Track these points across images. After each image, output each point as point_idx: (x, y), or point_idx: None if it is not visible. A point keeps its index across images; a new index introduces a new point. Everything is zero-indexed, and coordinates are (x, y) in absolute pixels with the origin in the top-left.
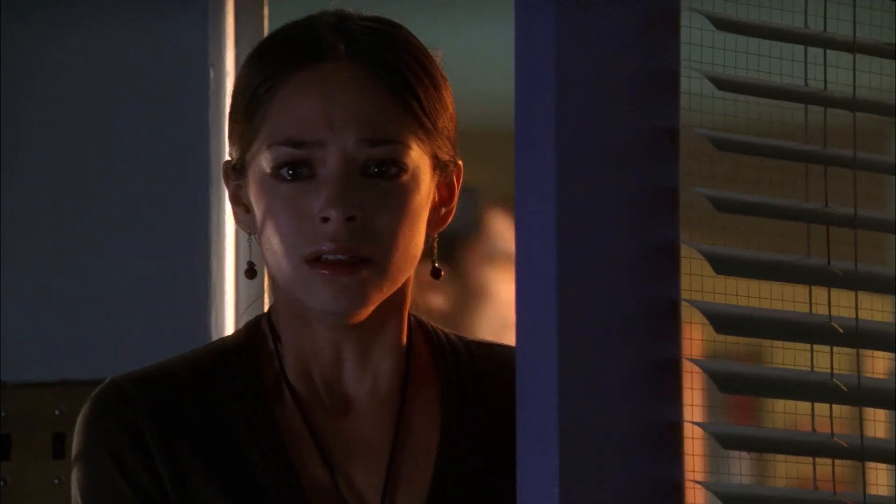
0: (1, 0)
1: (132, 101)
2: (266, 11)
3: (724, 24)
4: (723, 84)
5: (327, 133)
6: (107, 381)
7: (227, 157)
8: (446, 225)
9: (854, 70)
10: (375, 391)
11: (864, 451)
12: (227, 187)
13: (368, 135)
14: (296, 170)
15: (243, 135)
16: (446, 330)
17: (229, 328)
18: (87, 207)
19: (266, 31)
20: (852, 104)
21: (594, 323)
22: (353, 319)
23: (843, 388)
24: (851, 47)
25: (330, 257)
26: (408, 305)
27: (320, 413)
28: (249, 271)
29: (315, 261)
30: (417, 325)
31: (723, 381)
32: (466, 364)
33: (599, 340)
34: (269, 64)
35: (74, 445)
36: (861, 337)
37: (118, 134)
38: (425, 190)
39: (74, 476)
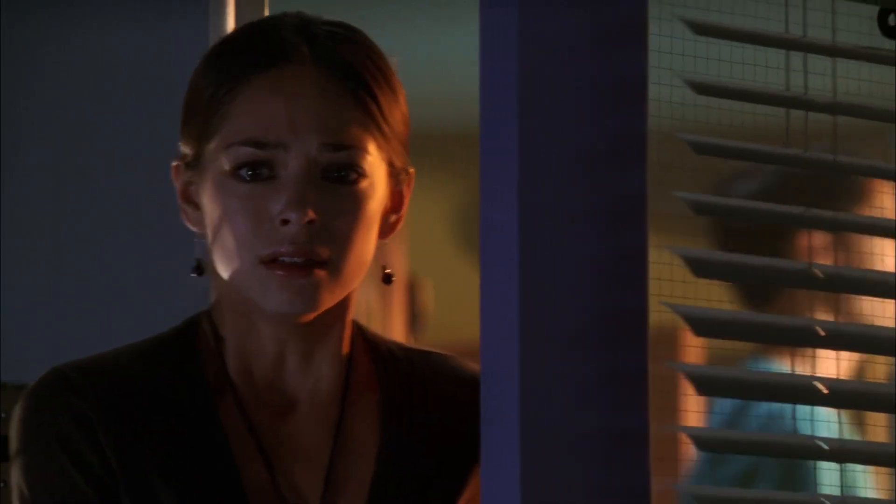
0: (1, 0)
1: (132, 101)
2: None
3: (702, 30)
4: (700, 88)
5: (290, 136)
6: (48, 370)
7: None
8: (395, 232)
9: (834, 74)
10: (316, 394)
11: (842, 453)
12: (176, 183)
13: (331, 139)
14: (255, 171)
15: (202, 133)
16: (386, 338)
17: None
18: (87, 207)
19: None
20: (833, 107)
21: (559, 328)
22: (302, 318)
23: (824, 389)
24: (832, 51)
25: (286, 259)
26: (351, 313)
27: (262, 412)
28: (197, 269)
29: (271, 262)
30: (359, 333)
31: (699, 384)
32: (405, 371)
33: (565, 346)
34: (231, 63)
35: (15, 440)
36: (842, 338)
37: (118, 134)
38: (380, 196)
39: (17, 472)
